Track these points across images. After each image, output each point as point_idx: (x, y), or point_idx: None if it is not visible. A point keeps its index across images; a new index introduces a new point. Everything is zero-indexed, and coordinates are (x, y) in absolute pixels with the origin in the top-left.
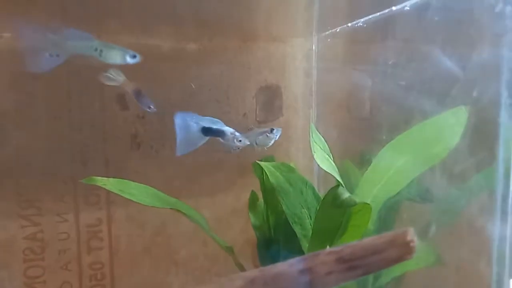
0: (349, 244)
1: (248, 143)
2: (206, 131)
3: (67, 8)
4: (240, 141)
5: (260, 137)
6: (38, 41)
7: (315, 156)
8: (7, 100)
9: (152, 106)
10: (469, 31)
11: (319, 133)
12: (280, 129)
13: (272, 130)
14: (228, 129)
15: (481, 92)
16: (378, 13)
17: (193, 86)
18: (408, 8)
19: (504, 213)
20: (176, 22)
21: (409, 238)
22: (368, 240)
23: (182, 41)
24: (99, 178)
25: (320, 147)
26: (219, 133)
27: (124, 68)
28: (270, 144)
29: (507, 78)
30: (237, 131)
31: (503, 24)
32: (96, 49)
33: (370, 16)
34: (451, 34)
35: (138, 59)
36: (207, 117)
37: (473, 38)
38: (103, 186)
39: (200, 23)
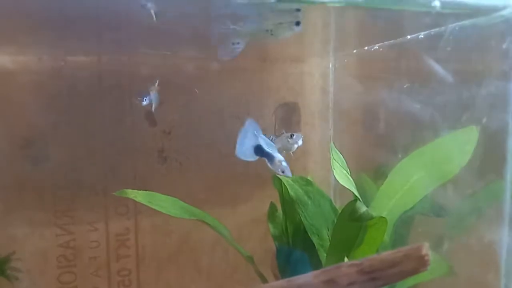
0: (369, 257)
1: (290, 175)
2: (258, 150)
3: (101, 33)
4: (283, 172)
5: (282, 142)
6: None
7: (334, 173)
8: (46, 119)
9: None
10: (478, 64)
11: (337, 148)
12: (301, 134)
13: (292, 135)
14: (277, 156)
15: (490, 119)
16: (393, 40)
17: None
18: (422, 37)
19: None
20: (200, 44)
21: (423, 252)
22: (386, 254)
23: (206, 61)
24: (130, 190)
25: (339, 164)
26: (269, 156)
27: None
28: (294, 149)
29: None
30: (284, 161)
31: (509, 61)
32: (267, 30)
33: (385, 42)
34: (462, 64)
35: (300, 27)
36: (265, 138)
37: (481, 69)
38: (134, 198)
39: None
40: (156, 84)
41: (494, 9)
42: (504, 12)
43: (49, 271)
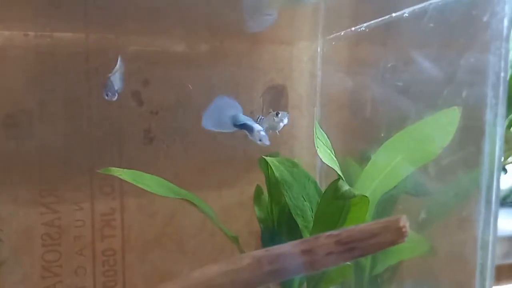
0: (347, 228)
1: (268, 143)
2: (237, 123)
3: (88, 11)
4: (261, 140)
5: (268, 122)
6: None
7: (318, 151)
8: (31, 96)
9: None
10: (460, 37)
11: (323, 130)
12: (286, 113)
13: (277, 113)
14: (256, 126)
15: (470, 93)
16: (379, 19)
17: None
18: (406, 15)
19: (488, 202)
20: (189, 25)
21: (401, 223)
22: (365, 225)
23: (195, 43)
24: (115, 168)
25: (323, 143)
26: (248, 128)
27: (140, 69)
28: (280, 127)
29: (493, 81)
30: (263, 130)
31: (489, 33)
32: None
33: (371, 22)
34: (444, 40)
35: None
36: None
37: (463, 44)
38: (119, 176)
39: (211, 27)
40: (118, 62)
41: None
42: None
43: (33, 249)
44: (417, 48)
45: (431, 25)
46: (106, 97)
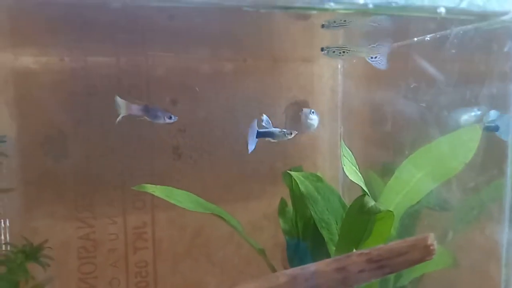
0: (377, 247)
1: (296, 132)
2: (259, 134)
3: (115, 34)
4: (290, 133)
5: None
6: None
7: (344, 169)
8: (67, 118)
9: (170, 117)
10: (481, 65)
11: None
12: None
13: (312, 111)
14: (275, 130)
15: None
16: (400, 42)
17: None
18: (428, 39)
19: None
20: (214, 46)
21: (429, 242)
22: (393, 244)
23: (219, 63)
24: (149, 185)
25: (349, 160)
26: (269, 134)
27: (167, 86)
28: (314, 127)
29: None
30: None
31: (509, 64)
32: None
33: (393, 44)
34: (465, 66)
35: None
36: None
37: (484, 71)
38: (152, 193)
39: (235, 47)
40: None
41: (496, 15)
42: (505, 18)
43: (70, 262)
44: (439, 71)
45: (453, 51)
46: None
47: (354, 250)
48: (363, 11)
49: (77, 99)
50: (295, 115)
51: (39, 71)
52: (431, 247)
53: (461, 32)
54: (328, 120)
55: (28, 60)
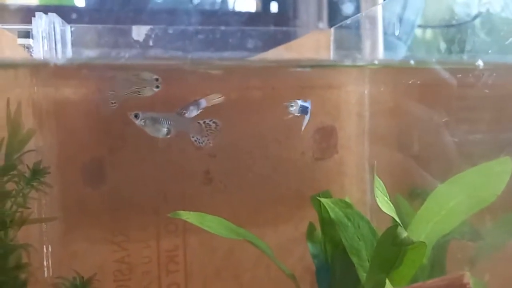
0: (415, 284)
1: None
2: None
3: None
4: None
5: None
6: None
7: (377, 201)
8: (103, 144)
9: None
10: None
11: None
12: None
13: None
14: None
15: None
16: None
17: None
18: (460, 76)
19: None
20: (242, 75)
21: (465, 280)
22: (431, 282)
23: (248, 90)
24: (183, 212)
25: (381, 192)
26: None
27: (199, 113)
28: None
29: None
30: None
31: None
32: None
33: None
34: (498, 108)
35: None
36: None
37: None
38: (186, 220)
39: (263, 75)
40: None
41: None
42: None
43: (106, 284)
44: (470, 109)
45: (486, 91)
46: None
47: (386, 280)
48: (390, 67)
49: (113, 127)
50: (322, 141)
51: (77, 101)
52: (467, 286)
53: (494, 74)
54: (355, 144)
55: (69, 91)
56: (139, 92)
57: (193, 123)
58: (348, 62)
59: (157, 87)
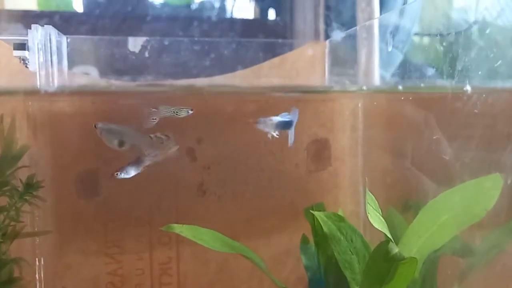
0: None
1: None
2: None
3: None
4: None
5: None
6: None
7: (369, 217)
8: (97, 156)
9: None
10: (504, 127)
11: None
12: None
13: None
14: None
15: None
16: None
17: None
18: (450, 95)
19: None
20: (237, 88)
21: None
22: None
23: (243, 103)
24: (176, 225)
25: (373, 208)
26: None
27: (194, 129)
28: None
29: None
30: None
31: None
32: None
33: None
34: (488, 126)
35: None
36: None
37: (507, 133)
38: (180, 233)
39: (258, 88)
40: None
41: None
42: None
43: None
44: (462, 127)
45: (475, 111)
46: None
47: None
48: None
49: None
50: (316, 153)
51: (73, 113)
52: None
53: (483, 95)
54: (349, 156)
55: (64, 104)
56: (176, 112)
57: (144, 137)
58: (337, 87)
59: (192, 110)
